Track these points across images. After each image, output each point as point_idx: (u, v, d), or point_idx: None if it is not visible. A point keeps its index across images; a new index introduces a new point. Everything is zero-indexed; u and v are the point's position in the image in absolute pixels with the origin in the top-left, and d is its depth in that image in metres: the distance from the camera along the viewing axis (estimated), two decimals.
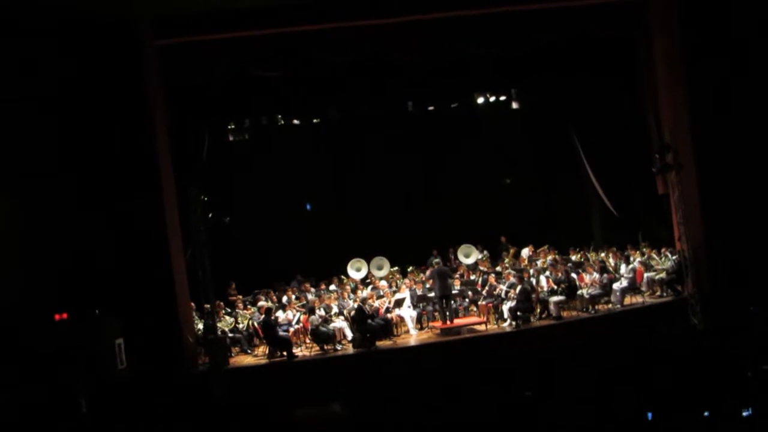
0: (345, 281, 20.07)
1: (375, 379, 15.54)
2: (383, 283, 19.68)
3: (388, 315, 17.71)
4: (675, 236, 18.25)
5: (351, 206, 22.64)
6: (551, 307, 17.56)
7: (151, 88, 16.44)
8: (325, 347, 16.81)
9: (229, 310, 18.18)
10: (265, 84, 18.81)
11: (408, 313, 18.04)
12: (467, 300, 18.82)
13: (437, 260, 19.39)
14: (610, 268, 18.81)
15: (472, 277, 19.67)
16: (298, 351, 16.90)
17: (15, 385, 13.17)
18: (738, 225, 17.13)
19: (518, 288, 17.39)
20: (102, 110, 15.74)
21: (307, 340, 17.24)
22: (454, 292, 18.28)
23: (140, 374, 14.58)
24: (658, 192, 19.08)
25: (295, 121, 21.72)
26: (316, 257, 21.01)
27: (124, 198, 15.71)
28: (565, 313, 17.70)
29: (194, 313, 17.07)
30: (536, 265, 19.82)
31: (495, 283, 18.48)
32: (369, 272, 20.63)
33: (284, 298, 18.58)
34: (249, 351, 17.47)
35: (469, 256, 21.20)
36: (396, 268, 20.70)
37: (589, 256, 20.28)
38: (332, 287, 19.50)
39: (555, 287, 18.03)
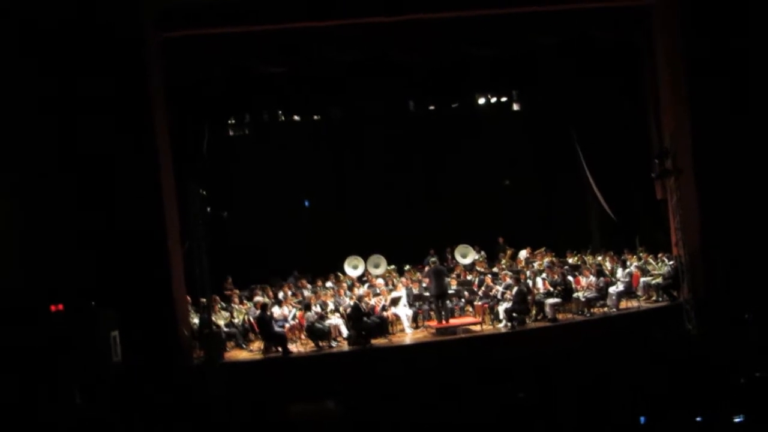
0: (342, 278, 20.07)
1: (370, 377, 15.55)
2: (380, 281, 19.68)
3: (384, 313, 17.73)
4: (672, 242, 18.29)
5: (349, 204, 22.65)
6: (547, 309, 17.58)
7: (152, 81, 16.40)
8: (321, 344, 16.82)
9: (224, 304, 18.18)
10: (267, 80, 18.82)
11: (404, 311, 18.06)
12: (463, 300, 18.84)
13: (434, 259, 19.40)
14: (607, 272, 18.86)
15: (469, 278, 19.70)
16: (293, 347, 16.89)
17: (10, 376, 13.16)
18: (735, 232, 17.16)
19: (514, 289, 17.41)
20: (102, 102, 15.69)
21: (303, 337, 17.26)
22: (450, 291, 18.31)
23: (135, 367, 14.57)
24: (657, 197, 19.11)
25: (296, 118, 21.73)
26: (314, 254, 21.01)
27: (123, 191, 15.71)
28: (560, 316, 17.72)
29: (190, 307, 17.07)
30: (533, 266, 19.86)
31: (491, 284, 18.51)
32: (366, 270, 20.65)
33: (280, 294, 18.58)
34: (244, 346, 17.48)
35: (466, 256, 21.24)
36: (393, 266, 20.72)
37: (586, 259, 20.32)
38: (329, 284, 19.50)
39: (551, 289, 18.06)
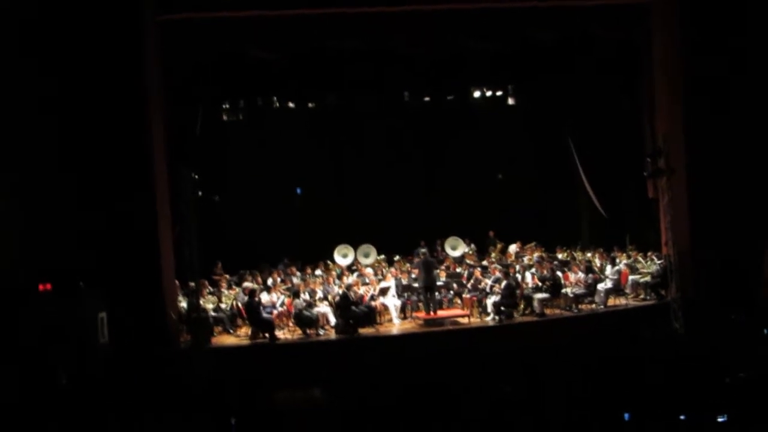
0: (331, 267, 20.09)
1: (356, 366, 15.57)
2: (369, 270, 19.67)
3: (373, 303, 17.73)
4: (662, 241, 18.33)
5: (341, 192, 22.63)
6: (535, 303, 17.60)
7: (148, 62, 16.34)
8: (308, 331, 16.81)
9: (212, 289, 18.17)
10: (262, 66, 18.76)
11: (392, 301, 18.07)
12: (452, 292, 18.86)
13: (424, 251, 19.41)
14: (596, 269, 18.91)
15: (458, 270, 19.71)
16: (280, 334, 16.89)
17: None
18: (725, 233, 17.23)
19: (503, 283, 17.43)
20: (96, 83, 15.65)
21: (290, 324, 17.24)
22: (439, 283, 18.32)
23: (122, 349, 14.56)
24: (648, 196, 19.15)
25: (291, 105, 21.65)
26: (304, 241, 21.00)
27: (115, 172, 15.64)
28: (548, 311, 17.74)
29: (179, 291, 17.06)
30: (522, 261, 19.91)
31: (480, 277, 18.52)
32: (355, 259, 20.67)
33: (269, 281, 18.58)
34: (231, 331, 17.46)
35: (456, 248, 21.26)
36: (382, 256, 20.74)
37: (575, 255, 20.36)
38: (318, 272, 19.50)
39: (540, 284, 18.09)
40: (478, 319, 17.79)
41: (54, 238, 15.09)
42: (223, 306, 17.69)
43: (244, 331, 17.29)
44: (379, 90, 20.97)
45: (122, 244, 15.46)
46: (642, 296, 18.67)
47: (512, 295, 17.36)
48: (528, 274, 18.64)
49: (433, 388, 12.16)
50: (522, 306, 17.80)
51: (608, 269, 18.84)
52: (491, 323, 17.32)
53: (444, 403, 11.36)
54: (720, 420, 9.15)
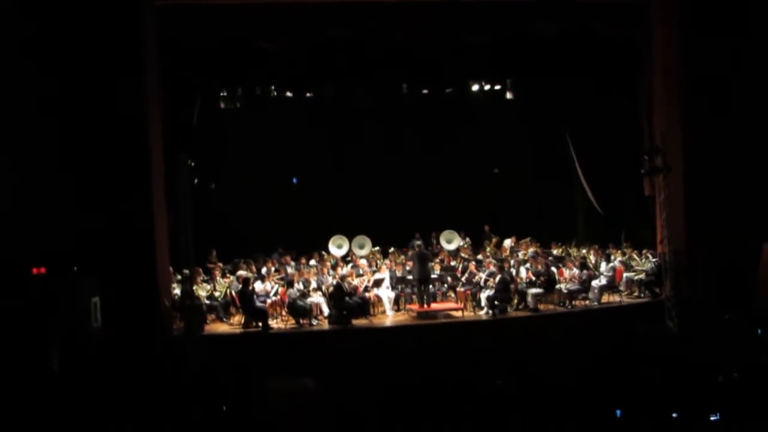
0: (325, 257, 20.06)
1: (349, 357, 15.55)
2: (363, 262, 19.69)
3: (366, 294, 17.76)
4: (657, 239, 18.33)
5: (337, 183, 22.56)
6: (529, 298, 17.62)
7: (146, 49, 16.27)
8: (301, 321, 16.81)
9: (206, 277, 18.14)
10: (261, 54, 18.69)
11: (386, 293, 18.08)
12: (446, 285, 18.87)
13: (419, 243, 19.40)
14: (591, 265, 18.91)
15: (453, 263, 19.71)
16: (273, 323, 16.89)
17: None
18: (720, 232, 17.23)
19: (497, 277, 17.43)
20: (94, 67, 15.56)
21: (284, 313, 17.25)
22: (433, 276, 18.31)
23: (114, 334, 14.52)
24: (645, 193, 19.16)
25: (288, 94, 21.59)
26: (299, 231, 20.96)
27: (111, 158, 15.58)
28: (542, 306, 17.77)
29: (173, 278, 17.02)
30: (517, 256, 19.92)
31: (475, 271, 18.52)
32: (350, 250, 20.64)
33: (264, 270, 18.56)
34: (225, 319, 17.45)
35: (451, 242, 21.23)
36: (377, 248, 20.71)
37: (570, 251, 20.38)
38: (312, 262, 19.47)
39: (534, 279, 18.08)
40: (472, 313, 17.81)
41: (48, 222, 15.03)
42: (216, 294, 17.67)
43: (238, 319, 17.27)
44: (378, 81, 20.90)
45: (117, 230, 15.40)
46: (636, 294, 18.71)
47: (506, 290, 17.37)
48: (522, 269, 18.65)
49: (425, 381, 12.15)
50: (516, 301, 17.83)
51: (603, 266, 18.85)
52: (485, 317, 17.36)
53: (435, 396, 11.35)
54: (713, 419, 9.15)
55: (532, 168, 23.23)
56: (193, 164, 15.57)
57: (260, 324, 16.50)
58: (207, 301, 17.31)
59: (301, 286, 17.25)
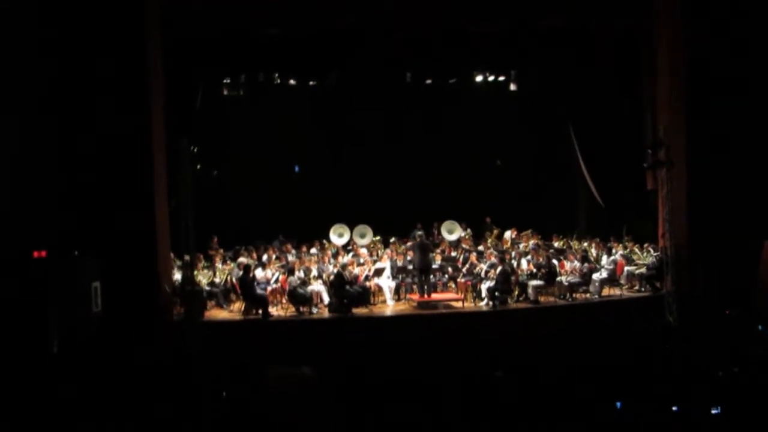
0: (326, 246, 20.04)
1: (348, 345, 15.56)
2: (364, 251, 19.67)
3: (367, 283, 17.74)
4: (659, 233, 18.31)
5: (339, 172, 22.53)
6: (529, 290, 17.60)
7: (151, 36, 16.21)
8: (301, 309, 16.81)
9: (207, 263, 18.13)
10: (265, 41, 18.66)
11: (387, 283, 18.07)
12: (446, 276, 18.85)
13: (420, 233, 19.37)
14: (592, 258, 18.88)
15: (453, 254, 19.69)
16: (273, 310, 16.89)
17: None
18: (722, 227, 17.20)
19: (498, 269, 17.42)
20: (98, 52, 15.53)
21: (284, 301, 17.25)
22: (434, 266, 18.29)
23: (114, 318, 14.52)
24: (647, 187, 19.14)
25: (292, 82, 21.52)
26: (300, 219, 20.92)
27: (113, 142, 15.55)
28: (542, 298, 17.75)
29: (173, 264, 17.01)
30: (518, 248, 19.88)
31: (476, 262, 18.51)
32: (351, 239, 20.62)
33: (264, 257, 18.55)
34: (225, 306, 17.45)
35: (452, 232, 21.20)
36: (378, 237, 20.69)
37: (571, 244, 20.32)
38: (313, 251, 19.46)
39: (535, 271, 18.05)
40: (472, 304, 17.80)
41: (50, 206, 15.01)
42: (217, 280, 17.66)
43: (238, 306, 17.27)
44: (381, 70, 20.82)
45: (118, 215, 15.38)
46: (637, 288, 18.67)
47: (507, 281, 17.36)
48: (524, 261, 18.62)
49: (424, 371, 12.17)
50: (516, 292, 17.80)
51: (604, 259, 18.83)
52: (485, 308, 17.35)
53: (433, 385, 11.37)
54: (714, 412, 9.16)
55: (534, 160, 23.21)
56: (195, 150, 15.54)
57: (260, 311, 16.50)
58: (207, 288, 17.31)
59: (301, 274, 17.23)
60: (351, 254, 19.37)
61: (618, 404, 9.67)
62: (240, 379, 12.30)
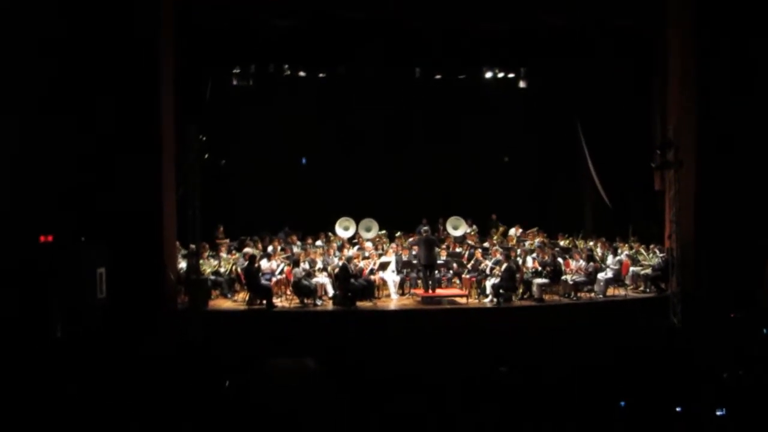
0: (332, 239, 20.05)
1: (352, 338, 15.57)
2: (369, 244, 19.68)
3: (372, 277, 17.73)
4: (665, 234, 18.27)
5: (347, 165, 22.53)
6: (534, 288, 17.59)
7: (164, 26, 16.19)
8: (306, 301, 16.82)
9: (213, 253, 18.14)
10: (275, 33, 18.63)
11: (391, 277, 18.07)
12: (451, 272, 18.87)
13: (426, 228, 19.34)
14: (597, 258, 18.86)
15: (458, 250, 19.69)
16: (277, 301, 16.91)
17: None
18: (729, 229, 17.17)
19: (503, 266, 17.39)
20: (107, 42, 15.51)
21: (288, 292, 17.24)
22: (439, 262, 18.31)
23: (119, 305, 14.53)
24: (655, 188, 19.10)
25: (301, 74, 21.49)
26: (307, 211, 20.94)
27: (122, 129, 15.54)
28: (547, 297, 17.73)
29: (179, 252, 17.02)
30: (524, 245, 19.86)
31: (481, 258, 18.51)
32: (357, 232, 20.63)
33: (270, 248, 18.56)
34: (229, 296, 17.47)
35: (457, 228, 21.21)
36: (384, 231, 20.68)
37: (577, 243, 20.32)
38: (318, 243, 19.48)
39: (540, 269, 18.03)
40: (476, 300, 17.79)
41: (58, 192, 15.00)
42: (222, 270, 17.67)
43: (242, 296, 17.29)
44: (391, 64, 20.79)
45: (125, 202, 15.35)
46: (642, 288, 18.64)
47: (512, 279, 17.33)
48: (529, 259, 18.59)
49: (426, 366, 12.14)
50: (521, 290, 17.77)
51: (609, 259, 18.78)
52: (489, 305, 17.32)
53: (437, 381, 11.34)
54: (719, 413, 9.13)
55: (541, 158, 23.18)
56: (204, 139, 15.55)
57: (264, 302, 16.52)
58: (212, 277, 17.32)
59: (306, 266, 17.24)
60: (356, 247, 19.40)
61: (622, 404, 9.64)
62: (243, 368, 12.28)
